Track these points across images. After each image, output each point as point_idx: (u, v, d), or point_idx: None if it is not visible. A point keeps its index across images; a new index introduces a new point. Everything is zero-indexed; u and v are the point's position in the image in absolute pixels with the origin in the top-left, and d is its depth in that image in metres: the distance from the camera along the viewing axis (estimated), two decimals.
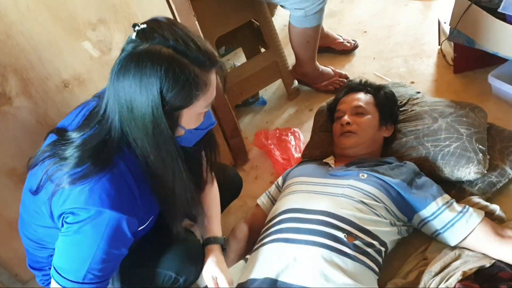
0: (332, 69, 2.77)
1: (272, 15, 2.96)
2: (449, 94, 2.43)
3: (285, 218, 1.67)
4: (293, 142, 2.43)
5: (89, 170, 1.27)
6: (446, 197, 1.71)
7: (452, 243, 1.65)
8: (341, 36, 3.01)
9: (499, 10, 2.05)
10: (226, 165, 2.07)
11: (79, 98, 1.72)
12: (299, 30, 2.46)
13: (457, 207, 1.67)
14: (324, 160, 1.98)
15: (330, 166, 1.91)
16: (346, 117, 1.96)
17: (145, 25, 1.24)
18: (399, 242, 1.74)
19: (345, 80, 2.71)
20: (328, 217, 1.59)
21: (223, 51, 3.19)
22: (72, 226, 1.28)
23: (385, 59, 2.85)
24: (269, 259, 1.58)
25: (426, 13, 3.09)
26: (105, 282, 1.36)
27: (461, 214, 1.64)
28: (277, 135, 2.48)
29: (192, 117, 1.33)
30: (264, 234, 1.71)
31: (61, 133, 1.41)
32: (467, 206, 1.67)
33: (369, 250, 1.57)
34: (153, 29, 1.23)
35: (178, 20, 1.88)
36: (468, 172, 1.82)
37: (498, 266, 1.54)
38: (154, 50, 1.20)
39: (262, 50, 2.88)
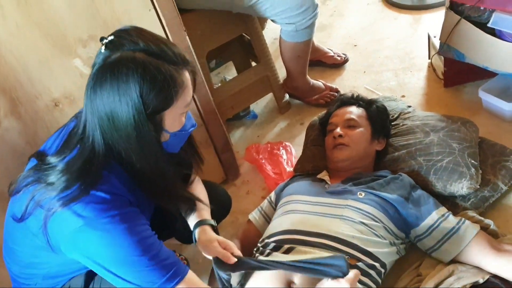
0: (323, 83, 2.77)
1: (263, 28, 2.96)
2: (440, 108, 2.43)
3: (285, 239, 1.65)
4: (284, 156, 2.42)
5: (80, 190, 1.25)
6: (442, 209, 1.71)
7: (449, 257, 1.65)
8: (331, 50, 3.02)
9: (489, 25, 2.06)
10: (215, 184, 2.05)
11: (69, 117, 1.67)
12: (290, 44, 2.46)
13: (453, 219, 1.67)
14: (318, 176, 1.97)
15: (326, 183, 1.90)
16: (338, 130, 1.96)
17: (112, 36, 1.24)
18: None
19: (336, 94, 2.72)
20: (329, 240, 1.58)
21: (213, 64, 3.18)
22: (87, 244, 1.26)
23: (376, 72, 2.85)
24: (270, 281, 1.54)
25: (416, 26, 3.10)
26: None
27: (457, 226, 1.64)
28: (269, 149, 2.47)
29: (175, 119, 1.33)
30: (261, 253, 1.68)
31: (41, 157, 1.38)
32: (463, 219, 1.67)
33: (371, 271, 1.56)
34: (121, 37, 1.23)
35: (169, 34, 1.88)
36: (461, 187, 1.82)
37: (492, 282, 1.53)
38: (127, 56, 1.20)
39: (253, 63, 2.88)
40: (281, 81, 2.76)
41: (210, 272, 1.86)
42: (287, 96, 2.81)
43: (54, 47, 1.67)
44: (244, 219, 2.12)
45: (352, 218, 1.65)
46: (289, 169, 2.34)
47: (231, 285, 1.59)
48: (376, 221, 1.65)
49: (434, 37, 2.54)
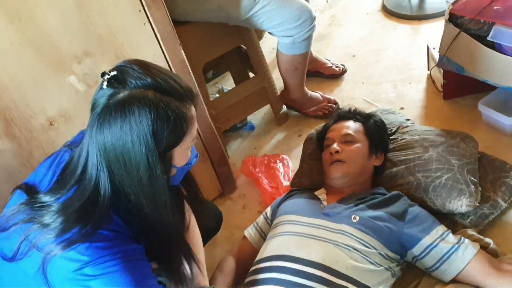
0: (320, 94, 2.75)
1: (261, 38, 2.96)
2: (439, 121, 2.42)
3: (276, 266, 1.62)
4: (281, 170, 2.40)
5: (81, 233, 1.19)
6: (441, 228, 1.68)
7: (448, 277, 1.62)
8: (329, 61, 3.00)
9: (488, 38, 2.04)
10: (205, 200, 2.01)
11: (65, 136, 1.64)
12: (287, 57, 2.44)
13: (452, 238, 1.65)
14: (315, 193, 1.94)
15: (322, 202, 1.87)
16: (335, 145, 1.93)
17: (115, 72, 1.19)
18: None
19: (334, 106, 2.70)
20: (322, 272, 1.55)
21: (210, 75, 3.16)
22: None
23: (374, 84, 2.83)
24: None
25: (415, 37, 3.08)
26: None
27: (456, 245, 1.62)
28: (265, 162, 2.44)
29: (183, 154, 1.30)
30: (252, 280, 1.66)
31: (31, 192, 1.32)
32: (462, 238, 1.65)
33: None
34: (125, 73, 1.18)
35: (164, 48, 1.87)
36: (460, 204, 1.80)
37: None
38: (137, 94, 1.15)
39: (251, 73, 2.86)
40: (279, 92, 2.74)
41: None
42: (284, 107, 2.79)
43: (49, 65, 1.65)
44: (240, 234, 2.10)
45: (345, 244, 1.62)
46: (286, 183, 2.32)
47: None
48: (370, 248, 1.63)
49: (434, 48, 2.52)
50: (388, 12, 3.37)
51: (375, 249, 1.63)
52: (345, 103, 2.71)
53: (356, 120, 2.05)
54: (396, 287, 1.72)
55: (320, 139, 2.15)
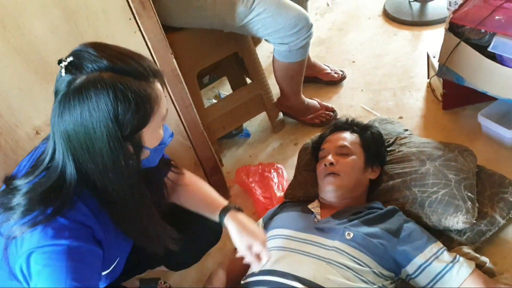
0: (318, 102, 2.71)
1: (259, 42, 2.92)
2: (437, 132, 2.38)
3: (267, 281, 1.59)
4: (276, 180, 2.36)
5: (41, 216, 1.17)
6: (436, 246, 1.64)
7: None
8: (328, 67, 2.95)
9: (489, 49, 1.99)
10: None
11: None
12: (283, 64, 2.40)
13: (447, 257, 1.60)
14: (309, 206, 1.90)
15: (315, 216, 1.83)
16: (330, 157, 1.89)
17: (71, 58, 1.15)
18: None
19: (332, 114, 2.66)
20: None
21: (207, 80, 3.12)
22: (33, 272, 1.17)
23: (373, 91, 2.79)
24: None
25: (416, 43, 3.03)
26: None
27: (450, 264, 1.58)
28: (260, 171, 2.40)
29: (153, 135, 1.26)
30: None
31: (9, 181, 1.30)
32: (457, 256, 1.61)
33: None
34: (81, 57, 1.14)
35: (155, 57, 1.83)
36: (456, 221, 1.76)
37: None
38: (93, 78, 1.11)
39: (247, 79, 2.81)
40: (275, 99, 2.69)
41: None
42: (281, 114, 2.74)
43: (35, 73, 1.62)
44: (232, 245, 2.04)
45: (338, 262, 1.58)
46: (280, 193, 2.28)
47: None
48: (364, 266, 1.59)
49: (434, 57, 2.47)
50: (389, 17, 3.33)
51: (369, 267, 1.59)
52: (344, 110, 2.68)
53: (352, 131, 2.01)
54: None
55: (315, 150, 2.11)
